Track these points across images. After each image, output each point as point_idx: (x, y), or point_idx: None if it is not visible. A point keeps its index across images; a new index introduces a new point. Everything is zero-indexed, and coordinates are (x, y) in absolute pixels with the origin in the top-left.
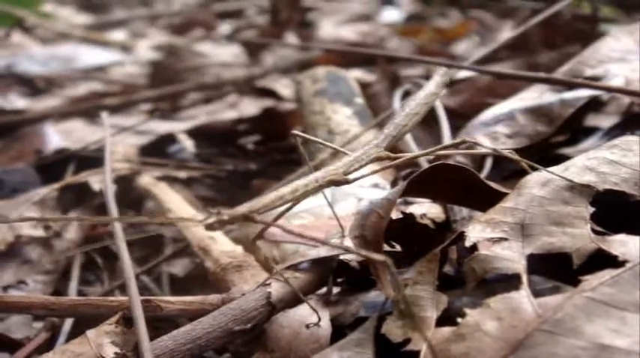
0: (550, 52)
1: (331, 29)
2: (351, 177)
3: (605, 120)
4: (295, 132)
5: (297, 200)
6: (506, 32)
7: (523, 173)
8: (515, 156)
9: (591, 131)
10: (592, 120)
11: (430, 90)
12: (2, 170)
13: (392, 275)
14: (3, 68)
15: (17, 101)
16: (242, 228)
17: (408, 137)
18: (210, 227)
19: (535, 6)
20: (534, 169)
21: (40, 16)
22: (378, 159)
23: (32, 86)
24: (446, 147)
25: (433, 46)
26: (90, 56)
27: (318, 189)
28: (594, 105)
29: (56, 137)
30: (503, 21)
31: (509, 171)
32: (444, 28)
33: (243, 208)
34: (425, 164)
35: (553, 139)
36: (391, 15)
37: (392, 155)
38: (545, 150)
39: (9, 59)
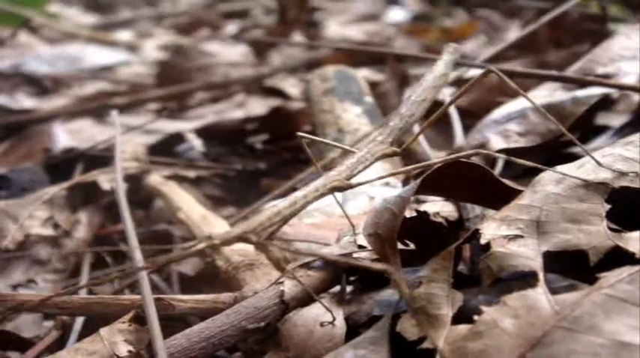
0: (558, 51)
1: (338, 29)
2: (354, 181)
3: (615, 119)
4: (300, 133)
5: (296, 213)
6: (514, 32)
7: (535, 172)
8: (527, 162)
9: (601, 130)
10: (602, 119)
11: (439, 71)
12: (11, 169)
13: (398, 280)
14: (10, 68)
15: (25, 101)
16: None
17: (421, 137)
18: (201, 253)
19: (542, 5)
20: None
21: (46, 16)
22: (385, 156)
23: (40, 86)
24: (459, 157)
25: (440, 46)
26: (97, 56)
27: (320, 197)
28: (604, 103)
29: (64, 136)
30: (511, 20)
31: (521, 170)
32: (450, 27)
33: (237, 229)
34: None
35: (564, 138)
36: (397, 15)
37: (399, 151)
38: (556, 149)
39: (16, 59)
